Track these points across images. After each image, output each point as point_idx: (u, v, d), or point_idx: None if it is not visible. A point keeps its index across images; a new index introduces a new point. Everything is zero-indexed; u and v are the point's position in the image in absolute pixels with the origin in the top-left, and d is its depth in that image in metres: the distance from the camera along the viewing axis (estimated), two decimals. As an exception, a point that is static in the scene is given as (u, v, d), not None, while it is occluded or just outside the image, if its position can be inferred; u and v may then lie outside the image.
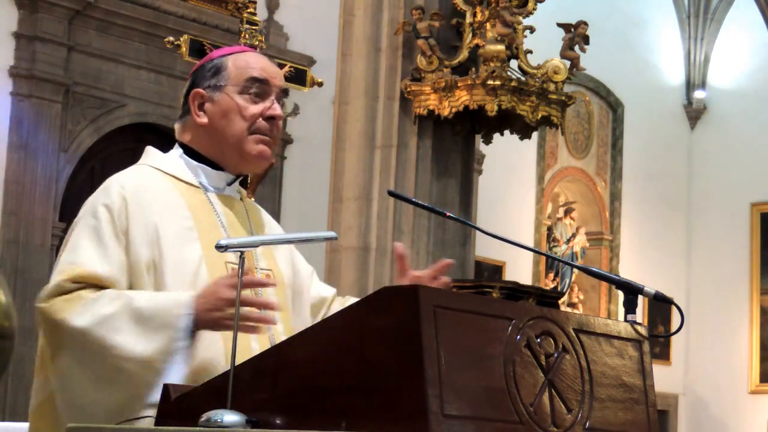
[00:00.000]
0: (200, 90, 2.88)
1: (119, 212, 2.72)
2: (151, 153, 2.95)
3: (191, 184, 2.86)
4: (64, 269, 2.68)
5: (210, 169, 2.89)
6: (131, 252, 2.69)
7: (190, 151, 2.90)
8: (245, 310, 2.54)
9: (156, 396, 2.48)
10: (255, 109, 2.84)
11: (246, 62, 2.88)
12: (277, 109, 2.86)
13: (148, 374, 2.55)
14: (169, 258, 2.71)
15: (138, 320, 2.56)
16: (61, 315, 2.61)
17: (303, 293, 2.99)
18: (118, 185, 2.77)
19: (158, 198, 2.78)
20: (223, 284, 2.58)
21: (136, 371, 2.55)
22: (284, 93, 2.93)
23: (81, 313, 2.60)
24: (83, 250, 2.69)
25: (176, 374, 2.55)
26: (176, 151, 2.92)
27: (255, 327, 2.56)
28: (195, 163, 2.89)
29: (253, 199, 8.20)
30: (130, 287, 2.68)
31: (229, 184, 2.92)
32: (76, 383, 2.61)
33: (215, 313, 2.57)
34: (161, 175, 2.85)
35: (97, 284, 2.65)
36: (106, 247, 2.68)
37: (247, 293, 2.59)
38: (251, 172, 2.94)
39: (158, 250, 2.70)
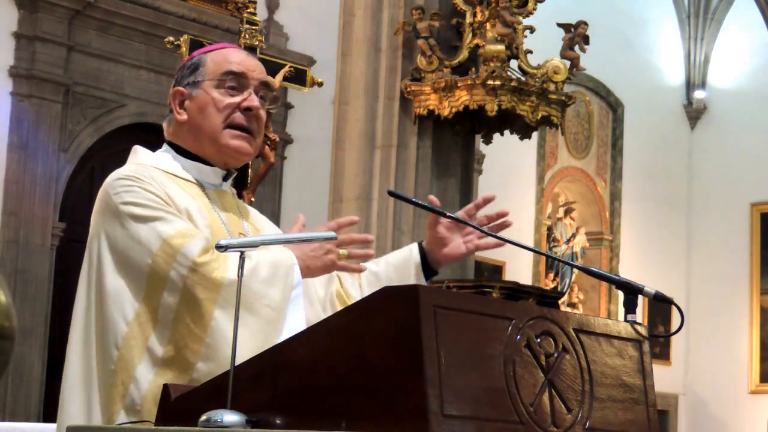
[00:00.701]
0: (180, 88, 2.88)
1: (154, 192, 2.73)
2: (141, 152, 2.92)
3: (189, 181, 2.86)
4: (179, 233, 2.65)
5: (203, 165, 2.88)
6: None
7: (178, 150, 2.90)
8: (344, 250, 2.74)
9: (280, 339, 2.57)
10: (231, 101, 2.83)
11: (224, 57, 2.88)
12: (253, 101, 2.84)
13: (279, 321, 2.63)
14: None
15: (271, 269, 2.65)
16: (218, 273, 2.61)
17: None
18: (139, 172, 2.75)
19: (163, 191, 2.78)
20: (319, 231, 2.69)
21: (273, 318, 2.62)
22: (266, 86, 2.90)
23: (232, 268, 2.61)
24: (176, 220, 2.69)
25: (293, 325, 2.62)
26: (165, 150, 2.91)
27: (357, 267, 2.78)
28: (187, 160, 2.88)
29: (253, 199, 8.20)
30: None
31: (225, 180, 2.92)
32: (226, 339, 2.57)
33: (327, 256, 2.72)
34: (159, 171, 2.84)
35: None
36: (176, 215, 2.70)
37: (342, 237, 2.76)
38: (233, 166, 2.92)
39: None
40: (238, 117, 2.83)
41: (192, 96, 2.86)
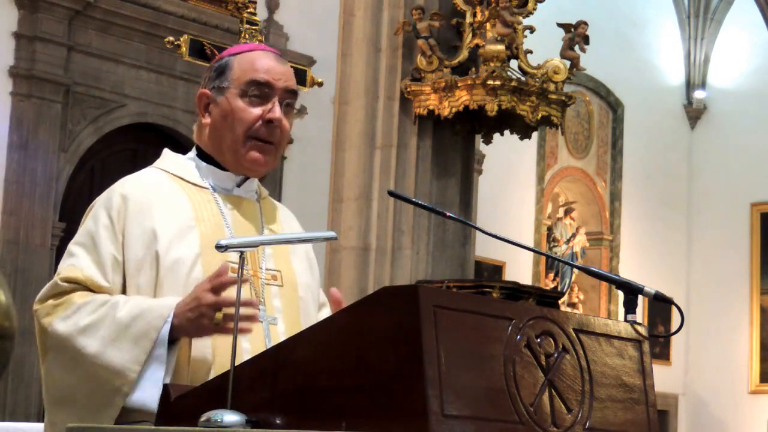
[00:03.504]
0: (206, 91, 2.87)
1: (118, 212, 2.75)
2: (163, 155, 2.96)
3: (199, 186, 2.86)
4: (61, 270, 2.74)
5: (218, 170, 2.88)
6: (127, 250, 2.73)
7: (201, 152, 2.91)
8: (229, 311, 2.52)
9: (128, 401, 2.57)
10: (254, 112, 2.81)
11: (250, 63, 2.84)
12: (276, 112, 2.80)
13: (118, 381, 2.59)
14: (165, 257, 2.72)
15: (117, 329, 2.60)
16: (48, 319, 2.67)
17: (317, 297, 3.00)
18: (120, 187, 2.81)
19: (161, 200, 2.79)
20: (202, 288, 2.57)
21: (107, 378, 2.60)
22: (291, 94, 2.86)
23: (65, 318, 2.65)
24: (80, 257, 2.73)
25: (153, 382, 2.58)
26: (191, 153, 2.94)
27: (243, 328, 2.52)
28: (204, 164, 2.89)
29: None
30: (124, 285, 2.72)
31: (239, 185, 2.90)
32: (58, 383, 2.68)
33: (200, 320, 2.56)
34: (168, 176, 2.86)
35: (90, 288, 2.70)
36: (100, 253, 2.72)
37: (229, 293, 2.55)
38: (252, 176, 2.92)
39: (154, 250, 2.72)
40: (260, 129, 2.81)
41: (216, 101, 2.84)
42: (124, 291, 2.72)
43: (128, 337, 2.59)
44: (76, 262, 2.72)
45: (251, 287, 2.77)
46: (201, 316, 2.56)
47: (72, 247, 2.76)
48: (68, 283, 2.69)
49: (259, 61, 2.84)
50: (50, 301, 2.69)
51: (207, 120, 2.86)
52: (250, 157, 2.82)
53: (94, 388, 2.62)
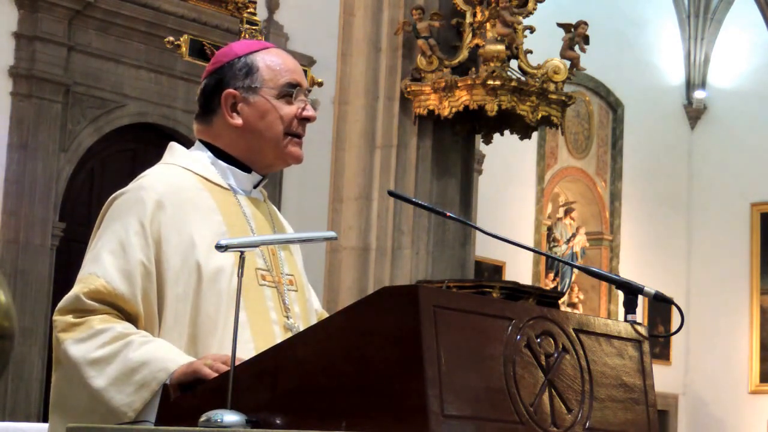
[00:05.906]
0: (233, 91, 2.84)
1: (151, 220, 2.69)
2: (178, 151, 2.90)
3: (221, 186, 2.84)
4: (85, 279, 2.67)
5: (239, 171, 2.87)
6: (163, 259, 2.68)
7: (216, 152, 2.87)
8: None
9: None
10: (291, 110, 2.85)
11: (278, 64, 2.87)
12: (310, 110, 2.87)
13: (114, 419, 2.57)
14: (206, 266, 2.69)
15: (124, 370, 2.57)
16: (63, 336, 2.63)
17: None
18: (153, 191, 2.73)
19: (191, 202, 2.76)
20: (203, 362, 2.52)
21: (104, 414, 2.58)
22: (307, 92, 2.94)
23: (80, 341, 2.61)
24: (106, 265, 2.67)
25: (145, 422, 2.56)
26: (202, 152, 2.89)
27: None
28: (225, 165, 2.86)
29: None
30: (158, 293, 2.67)
31: (255, 186, 2.91)
32: (64, 394, 2.67)
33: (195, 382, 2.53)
34: (192, 176, 2.82)
35: (114, 302, 2.64)
36: (129, 261, 2.66)
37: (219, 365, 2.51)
38: (276, 170, 2.97)
39: (194, 260, 2.69)
40: (297, 126, 2.86)
41: (249, 101, 2.83)
42: (159, 299, 2.67)
43: (132, 382, 2.56)
44: (100, 270, 2.66)
45: (279, 297, 2.78)
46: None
47: (98, 251, 2.69)
48: (91, 300, 2.64)
49: (285, 63, 2.89)
50: (69, 317, 2.64)
51: (238, 121, 2.84)
52: (292, 152, 2.87)
53: (90, 413, 2.61)
